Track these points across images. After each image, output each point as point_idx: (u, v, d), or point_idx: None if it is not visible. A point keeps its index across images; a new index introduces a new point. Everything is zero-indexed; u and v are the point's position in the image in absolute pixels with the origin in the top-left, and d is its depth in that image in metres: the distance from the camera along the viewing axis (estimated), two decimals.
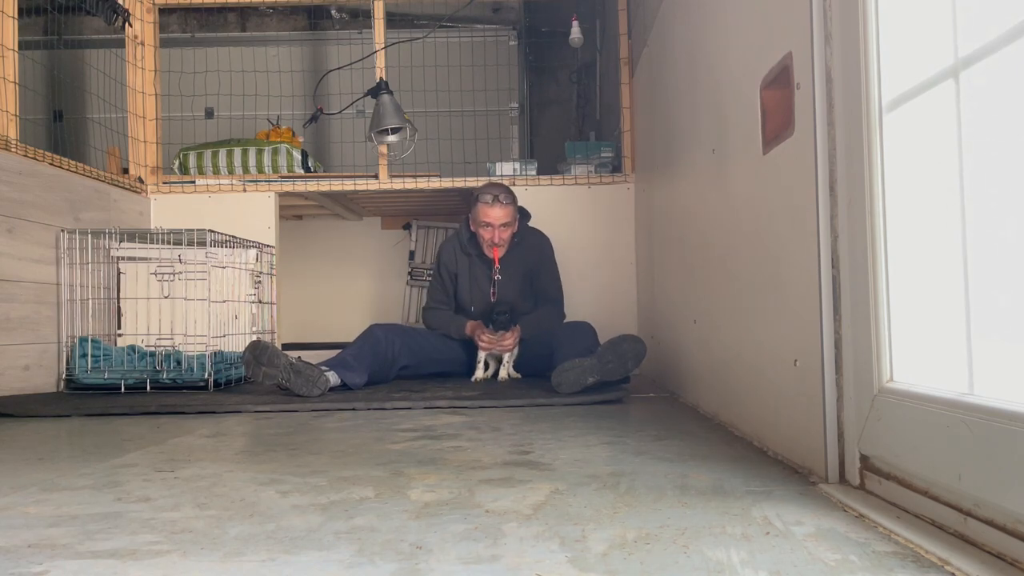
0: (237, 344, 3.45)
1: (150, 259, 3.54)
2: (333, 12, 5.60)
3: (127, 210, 3.84)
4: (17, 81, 3.15)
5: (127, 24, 3.96)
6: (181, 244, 3.49)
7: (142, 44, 4.07)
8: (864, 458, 1.32)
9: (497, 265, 3.38)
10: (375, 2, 4.14)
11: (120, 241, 3.54)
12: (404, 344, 3.26)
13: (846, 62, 1.39)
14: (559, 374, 2.73)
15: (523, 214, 3.50)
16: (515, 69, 5.34)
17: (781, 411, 1.65)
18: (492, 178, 3.98)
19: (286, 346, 4.23)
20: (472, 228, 3.43)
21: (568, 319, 3.57)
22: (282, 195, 4.16)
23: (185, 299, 3.41)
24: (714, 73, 2.20)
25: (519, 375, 3.32)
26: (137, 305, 3.51)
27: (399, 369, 3.27)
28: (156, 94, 4.10)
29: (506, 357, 3.28)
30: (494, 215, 3.29)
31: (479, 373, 3.26)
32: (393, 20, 5.01)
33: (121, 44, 4.10)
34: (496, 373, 3.31)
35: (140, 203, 3.98)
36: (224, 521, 1.22)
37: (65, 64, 5.08)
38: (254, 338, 3.54)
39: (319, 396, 2.78)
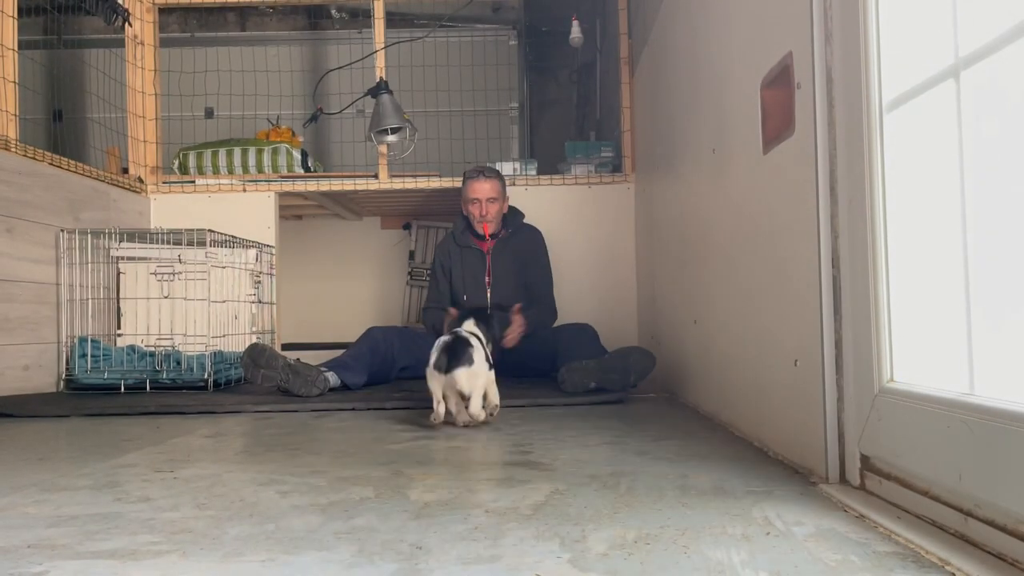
0: (237, 344, 3.44)
1: (150, 259, 3.54)
2: (333, 12, 5.59)
3: (127, 210, 3.84)
4: (17, 81, 3.14)
5: (127, 24, 3.96)
6: (181, 244, 3.48)
7: (142, 44, 4.07)
8: (864, 458, 1.32)
9: (488, 236, 3.46)
10: (375, 2, 4.13)
11: (120, 241, 3.54)
12: (403, 345, 3.26)
13: (846, 61, 1.39)
14: (566, 371, 2.72)
15: (516, 212, 3.60)
16: (515, 69, 5.34)
17: (781, 411, 1.65)
18: None
19: (286, 346, 4.23)
20: (464, 210, 3.54)
21: (566, 319, 3.58)
22: (282, 195, 4.15)
23: (185, 299, 3.41)
24: (714, 73, 2.20)
25: (489, 417, 2.16)
26: (137, 305, 3.50)
27: (399, 370, 3.27)
28: (156, 94, 4.09)
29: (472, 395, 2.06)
30: (478, 189, 3.42)
31: (440, 411, 2.10)
32: (393, 20, 5.00)
33: (121, 44, 4.10)
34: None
35: (140, 203, 3.98)
36: (224, 521, 1.22)
37: (65, 64, 5.07)
38: (254, 338, 3.54)
39: (318, 396, 2.78)
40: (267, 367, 2.82)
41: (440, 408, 2.11)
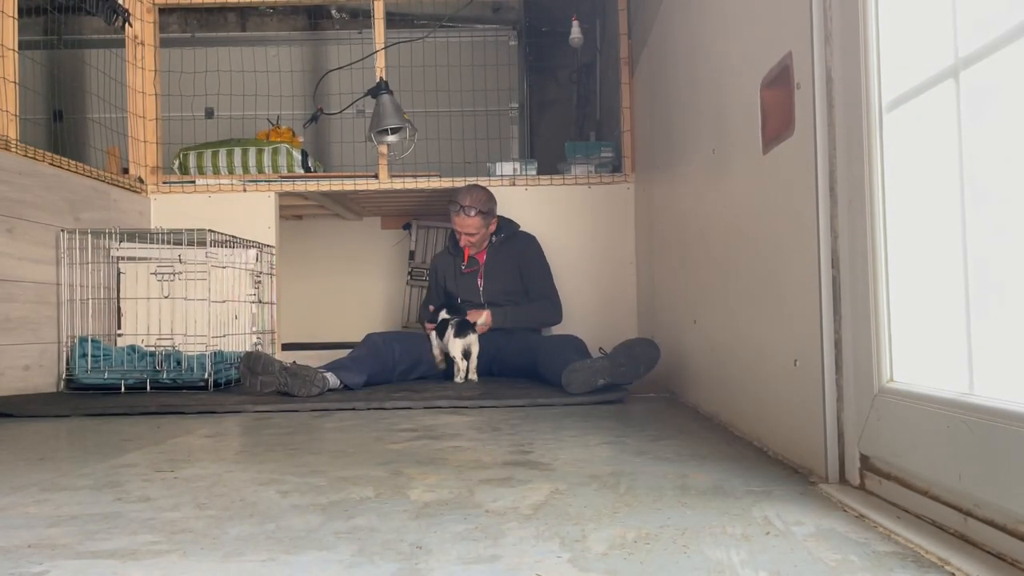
0: (237, 344, 3.45)
1: (150, 259, 3.54)
2: (333, 12, 5.59)
3: (127, 210, 3.84)
4: (17, 81, 3.14)
5: (127, 24, 3.96)
6: (181, 244, 3.48)
7: (142, 44, 4.07)
8: (864, 458, 1.32)
9: (466, 260, 3.63)
10: (375, 2, 4.14)
11: (120, 241, 3.54)
12: (403, 348, 3.28)
13: (846, 62, 1.39)
14: (569, 373, 2.72)
15: (510, 223, 3.72)
16: (515, 69, 5.34)
17: (781, 411, 1.65)
18: (480, 179, 3.98)
19: (286, 346, 4.23)
20: None
21: (566, 319, 3.62)
22: (282, 195, 4.16)
23: (185, 299, 3.41)
24: (714, 73, 2.20)
25: (475, 377, 3.24)
26: (137, 305, 3.51)
27: (399, 373, 3.28)
28: (156, 94, 4.10)
29: (458, 357, 3.21)
30: (458, 223, 3.56)
31: (463, 365, 3.22)
32: (393, 20, 5.01)
33: (121, 44, 4.10)
34: (465, 373, 3.26)
35: (140, 203, 3.98)
36: (224, 521, 1.22)
37: (65, 64, 5.07)
38: (254, 338, 3.55)
39: (318, 395, 2.78)
40: (264, 373, 2.83)
41: (463, 363, 3.23)
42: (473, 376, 3.24)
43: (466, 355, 3.24)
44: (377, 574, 0.96)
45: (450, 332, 3.21)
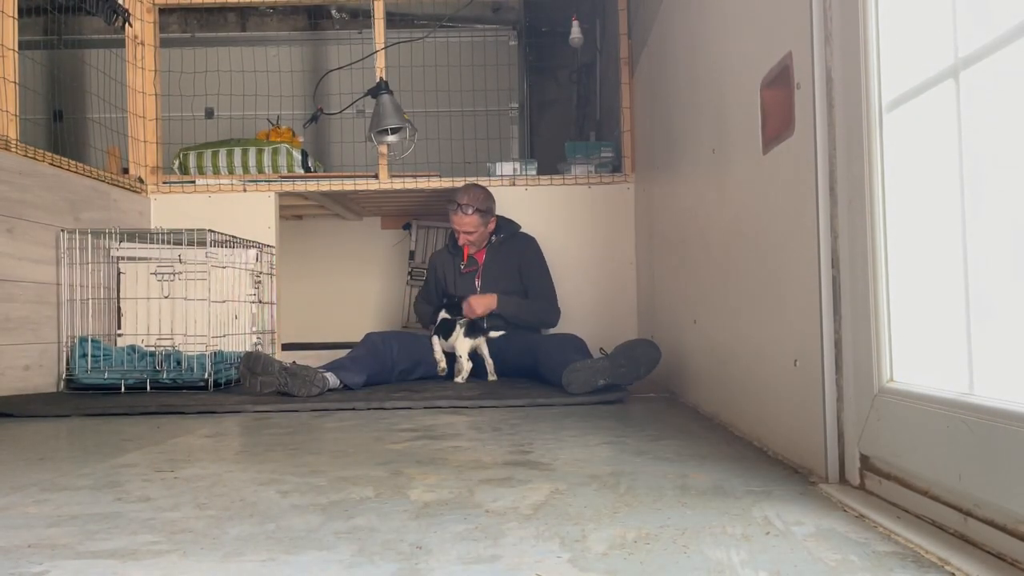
0: (237, 344, 3.45)
1: (150, 259, 3.54)
2: (333, 12, 5.59)
3: (127, 210, 3.84)
4: (17, 81, 3.14)
5: (127, 24, 3.96)
6: (181, 244, 3.48)
7: (142, 44, 4.07)
8: (864, 458, 1.32)
9: (466, 259, 3.64)
10: (375, 2, 4.14)
11: (120, 241, 3.54)
12: (402, 348, 3.28)
13: (846, 62, 1.39)
14: (570, 373, 2.71)
15: (510, 223, 3.71)
16: (515, 69, 5.34)
17: (781, 411, 1.65)
18: (479, 179, 3.98)
19: (286, 346, 4.23)
20: None
21: (566, 319, 3.63)
22: (282, 195, 4.16)
23: (185, 299, 3.41)
24: (714, 73, 2.20)
25: (494, 377, 3.27)
26: (137, 305, 3.51)
27: (398, 372, 3.28)
28: (156, 94, 4.10)
29: (463, 354, 3.20)
30: (456, 221, 3.56)
31: (467, 366, 3.20)
32: (393, 20, 5.01)
33: (121, 44, 4.10)
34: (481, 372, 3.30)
35: (140, 203, 3.98)
36: (224, 521, 1.22)
37: (65, 64, 5.07)
38: (254, 338, 3.55)
39: (318, 395, 2.78)
40: (264, 373, 2.82)
41: (468, 364, 3.20)
42: (493, 377, 3.26)
43: (471, 357, 3.23)
44: (377, 574, 0.96)
45: (459, 331, 3.21)
